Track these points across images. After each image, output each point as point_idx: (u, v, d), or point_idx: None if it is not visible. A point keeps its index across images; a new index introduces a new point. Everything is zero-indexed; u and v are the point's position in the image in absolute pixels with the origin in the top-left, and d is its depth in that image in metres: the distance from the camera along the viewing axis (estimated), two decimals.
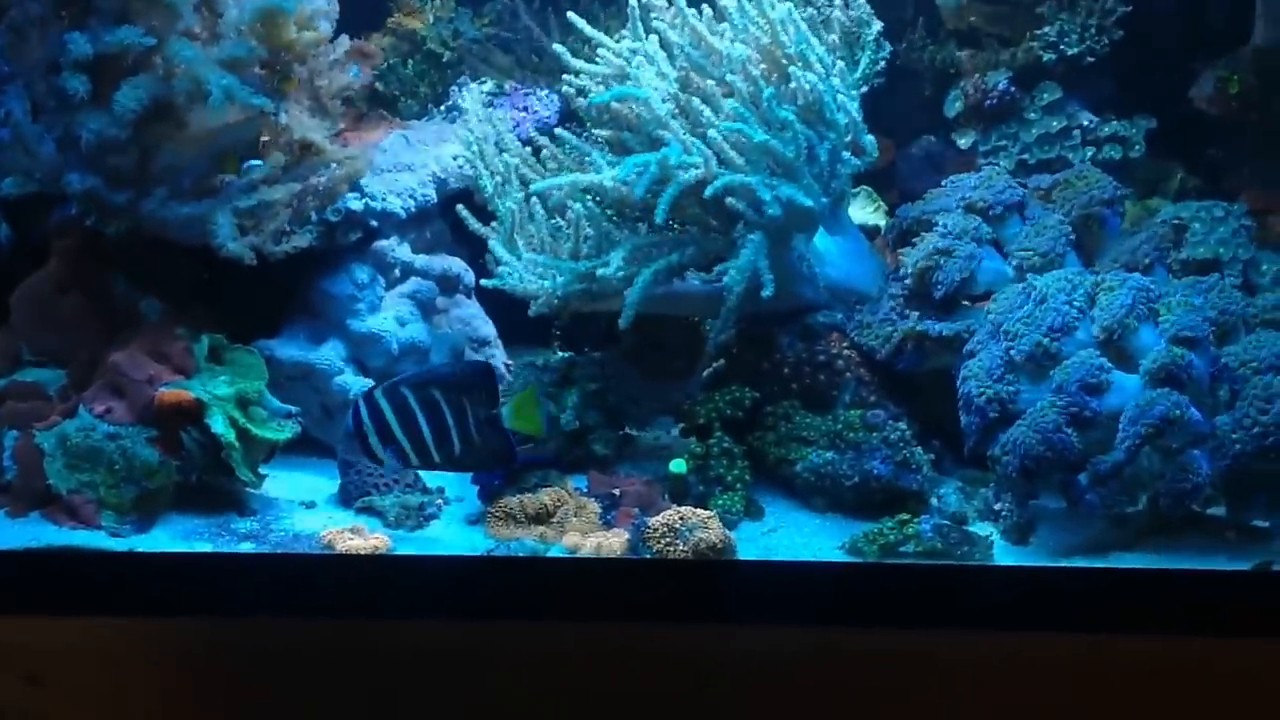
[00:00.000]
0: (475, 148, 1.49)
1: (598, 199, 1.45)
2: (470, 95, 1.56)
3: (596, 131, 1.48)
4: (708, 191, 1.35)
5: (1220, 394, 1.26)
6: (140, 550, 1.27)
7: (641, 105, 1.39)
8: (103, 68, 1.35)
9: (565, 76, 1.48)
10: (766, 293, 1.37)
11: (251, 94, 1.37)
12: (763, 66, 1.41)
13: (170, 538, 1.30)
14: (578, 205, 1.43)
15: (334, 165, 1.47)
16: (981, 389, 1.30)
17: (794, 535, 1.34)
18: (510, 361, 1.66)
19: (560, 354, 1.58)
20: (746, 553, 1.27)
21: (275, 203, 1.40)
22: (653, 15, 1.45)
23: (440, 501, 1.41)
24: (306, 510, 1.40)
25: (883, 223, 1.70)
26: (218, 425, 1.32)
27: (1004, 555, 1.27)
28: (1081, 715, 1.11)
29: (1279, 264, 1.52)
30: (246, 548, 1.28)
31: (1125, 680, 1.10)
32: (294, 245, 1.42)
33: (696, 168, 1.35)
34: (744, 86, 1.37)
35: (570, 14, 1.50)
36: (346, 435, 1.28)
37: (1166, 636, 1.10)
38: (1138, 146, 1.73)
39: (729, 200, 1.36)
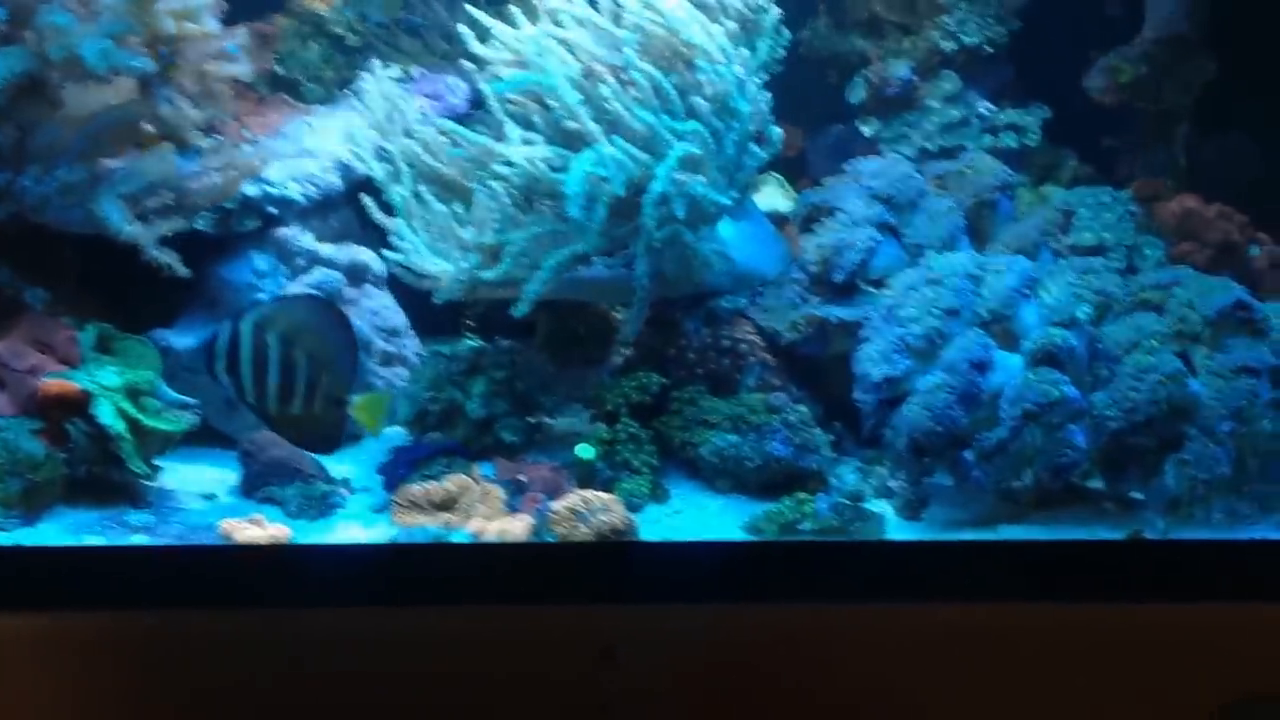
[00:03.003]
0: (361, 135, 1.46)
1: (504, 182, 1.44)
2: (369, 77, 1.53)
3: (509, 105, 1.46)
4: (650, 203, 1.35)
5: (1100, 372, 1.31)
6: (26, 545, 1.23)
7: (549, 93, 1.38)
8: None
9: (465, 49, 1.45)
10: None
11: (130, 57, 1.32)
12: (666, 55, 1.41)
13: (59, 531, 1.27)
14: (481, 188, 1.42)
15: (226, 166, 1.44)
16: (876, 370, 1.33)
17: (698, 516, 1.36)
18: (422, 352, 1.64)
19: (469, 342, 1.57)
20: (650, 534, 1.29)
21: (161, 187, 1.36)
22: (545, 9, 1.43)
23: (344, 491, 1.40)
24: (206, 501, 1.37)
25: (792, 209, 1.72)
26: (105, 416, 1.28)
27: (896, 530, 1.31)
28: (970, 680, 1.15)
29: (1161, 248, 1.58)
30: (139, 540, 1.26)
31: (1012, 645, 1.15)
32: (166, 262, 1.38)
33: (623, 171, 1.34)
34: (645, 79, 1.37)
35: (467, 6, 1.48)
36: (202, 348, 1.27)
37: (1049, 604, 1.15)
38: (1033, 134, 1.79)
39: (646, 203, 1.35)
